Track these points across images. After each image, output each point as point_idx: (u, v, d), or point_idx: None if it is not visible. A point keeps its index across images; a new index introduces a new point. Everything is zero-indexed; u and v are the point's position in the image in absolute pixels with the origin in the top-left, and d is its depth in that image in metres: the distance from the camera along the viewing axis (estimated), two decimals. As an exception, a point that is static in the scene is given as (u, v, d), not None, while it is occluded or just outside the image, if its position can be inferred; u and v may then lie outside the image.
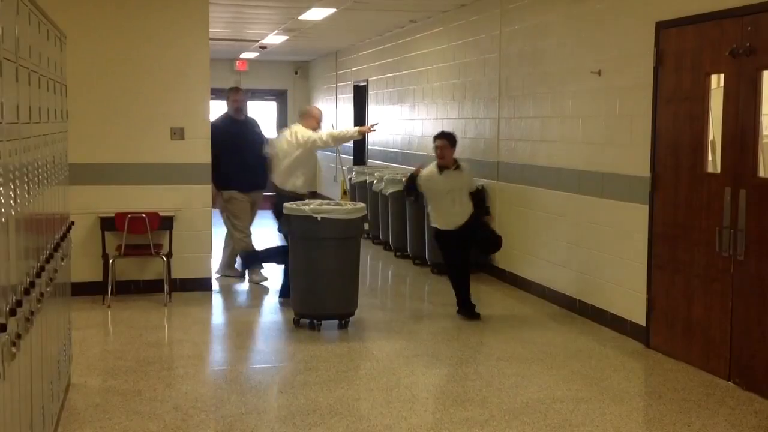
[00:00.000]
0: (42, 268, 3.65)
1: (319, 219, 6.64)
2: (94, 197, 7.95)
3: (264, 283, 8.72)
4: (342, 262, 6.79)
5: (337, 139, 8.13)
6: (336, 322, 6.88)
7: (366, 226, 6.96)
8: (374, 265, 10.33)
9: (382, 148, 13.61)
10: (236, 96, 9.02)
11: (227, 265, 9.13)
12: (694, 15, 5.81)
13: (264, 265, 8.89)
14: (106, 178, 8.07)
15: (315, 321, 6.85)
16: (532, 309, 7.74)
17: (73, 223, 5.42)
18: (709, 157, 5.84)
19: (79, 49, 7.34)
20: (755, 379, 5.31)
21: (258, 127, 9.21)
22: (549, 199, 7.90)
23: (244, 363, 6.32)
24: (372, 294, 8.54)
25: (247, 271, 8.97)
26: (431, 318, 7.52)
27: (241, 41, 14.47)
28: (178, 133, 8.24)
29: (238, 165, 8.63)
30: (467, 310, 7.30)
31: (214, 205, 8.58)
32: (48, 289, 3.84)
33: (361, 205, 7.00)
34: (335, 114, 16.07)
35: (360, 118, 14.54)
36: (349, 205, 6.92)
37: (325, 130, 8.12)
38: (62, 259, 4.62)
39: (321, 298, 6.79)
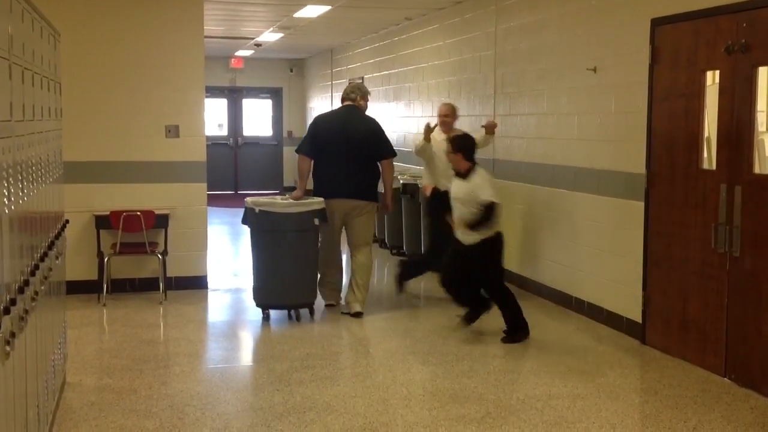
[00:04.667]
0: (36, 267, 3.64)
1: (257, 211, 6.84)
2: (88, 195, 7.93)
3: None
4: (296, 254, 6.92)
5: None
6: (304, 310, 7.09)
7: (316, 221, 6.91)
8: (370, 263, 10.30)
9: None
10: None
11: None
12: (689, 12, 5.81)
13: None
14: (101, 176, 8.05)
15: (291, 311, 7.09)
16: (528, 306, 7.71)
17: (67, 221, 5.41)
18: (705, 154, 5.84)
19: (73, 47, 7.33)
20: (751, 375, 5.32)
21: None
22: (544, 196, 7.90)
23: (239, 361, 6.31)
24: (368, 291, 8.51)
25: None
26: (427, 315, 7.51)
27: (235, 39, 14.45)
28: (173, 131, 8.22)
29: None
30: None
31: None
32: (42, 287, 3.83)
33: (318, 199, 7.01)
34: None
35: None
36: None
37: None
38: (57, 258, 4.61)
39: (278, 288, 7.01)
